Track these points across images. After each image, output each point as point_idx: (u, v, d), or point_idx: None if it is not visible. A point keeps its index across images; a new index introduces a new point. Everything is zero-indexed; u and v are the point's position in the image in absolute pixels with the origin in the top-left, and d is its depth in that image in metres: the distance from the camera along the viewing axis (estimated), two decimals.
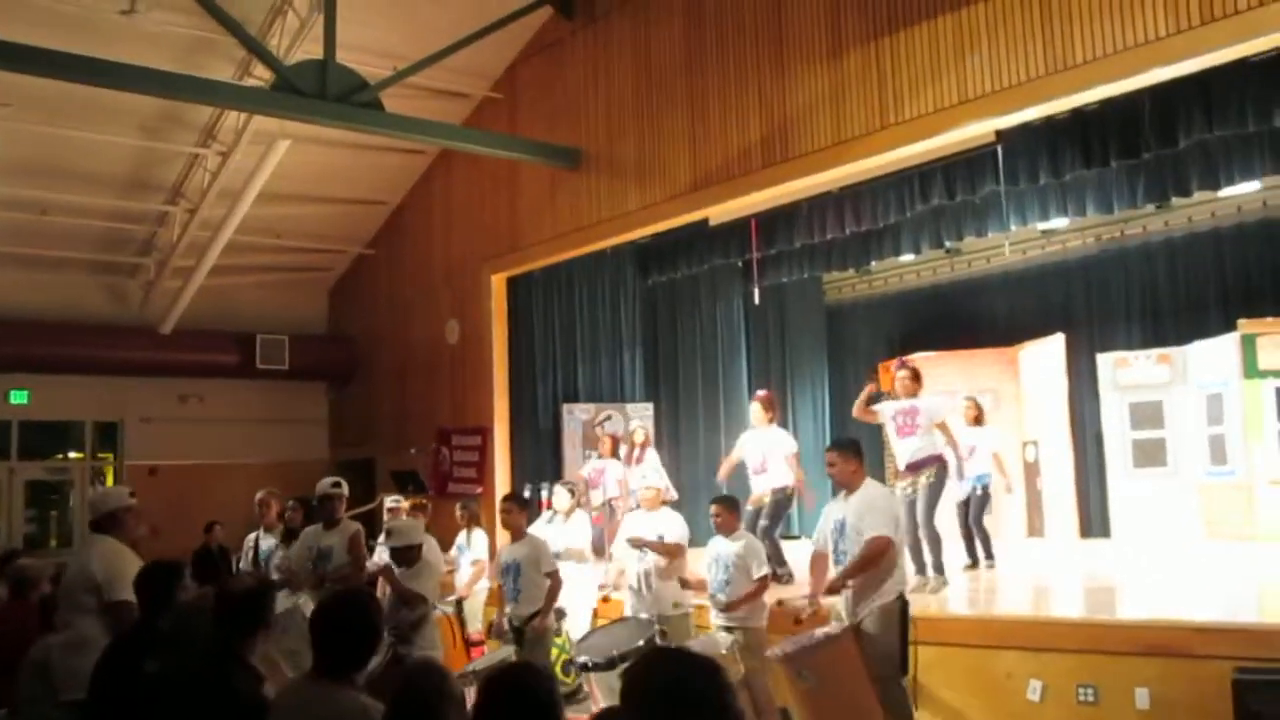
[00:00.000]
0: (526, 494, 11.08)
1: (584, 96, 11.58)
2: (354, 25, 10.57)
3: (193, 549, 12.33)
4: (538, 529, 8.87)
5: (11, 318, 13.40)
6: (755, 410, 9.70)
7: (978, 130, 8.56)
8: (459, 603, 9.00)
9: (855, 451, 6.46)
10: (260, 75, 11.10)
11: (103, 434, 15.16)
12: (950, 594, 8.11)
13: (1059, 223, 12.37)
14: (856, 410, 9.15)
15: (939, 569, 8.52)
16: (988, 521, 10.20)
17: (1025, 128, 9.74)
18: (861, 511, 6.12)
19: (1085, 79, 7.49)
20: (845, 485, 6.34)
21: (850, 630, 5.94)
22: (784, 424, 15.01)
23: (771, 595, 7.08)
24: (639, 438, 11.31)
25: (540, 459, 13.18)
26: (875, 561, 5.94)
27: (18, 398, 14.07)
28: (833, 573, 6.27)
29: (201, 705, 3.17)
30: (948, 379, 13.37)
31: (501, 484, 12.48)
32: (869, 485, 6.30)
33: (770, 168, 9.57)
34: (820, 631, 6.10)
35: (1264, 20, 6.64)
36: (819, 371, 15.77)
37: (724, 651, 6.28)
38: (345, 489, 7.69)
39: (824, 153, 9.10)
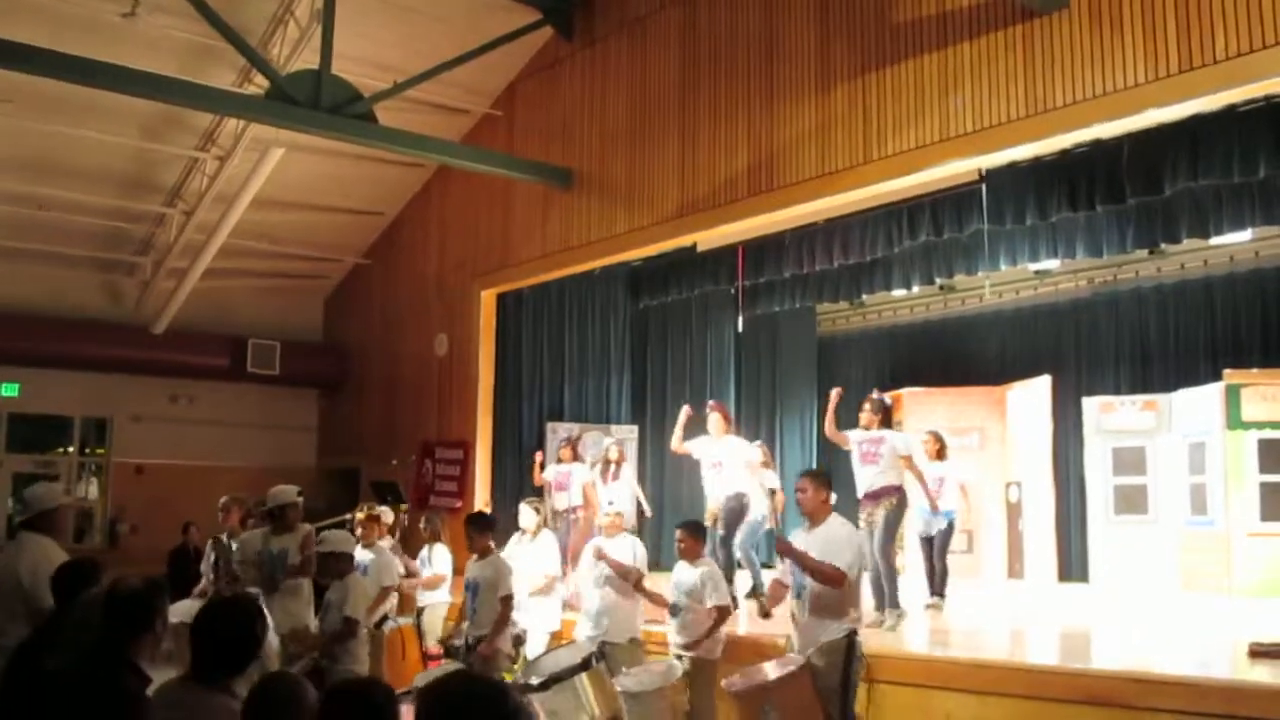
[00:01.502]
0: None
1: (579, 117, 11.65)
2: (356, 37, 10.68)
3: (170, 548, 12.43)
4: (509, 548, 8.86)
5: (4, 310, 13.49)
6: (715, 421, 9.61)
7: (960, 168, 8.63)
8: (418, 615, 8.98)
9: (826, 482, 6.37)
10: (261, 83, 11.17)
11: (92, 430, 15.23)
12: (904, 631, 8.05)
13: (1051, 264, 12.35)
14: (828, 428, 9.12)
15: (894, 603, 8.47)
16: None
17: (1013, 168, 9.84)
18: (824, 548, 6.03)
19: (1065, 122, 7.53)
20: (811, 515, 6.26)
21: (807, 666, 5.89)
22: (772, 453, 15.12)
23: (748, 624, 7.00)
24: (614, 455, 11.29)
25: (522, 476, 13.14)
26: (828, 579, 5.88)
27: (8, 390, 14.15)
28: (793, 606, 6.24)
29: (89, 705, 3.18)
30: (935, 416, 13.36)
31: (481, 499, 12.52)
32: (833, 520, 6.21)
33: (756, 197, 9.62)
34: (775, 663, 6.07)
35: (1243, 69, 6.67)
36: (808, 402, 15.75)
37: (672, 681, 6.25)
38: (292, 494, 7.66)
39: (809, 184, 9.15)
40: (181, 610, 6.71)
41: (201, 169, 12.80)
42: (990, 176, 9.69)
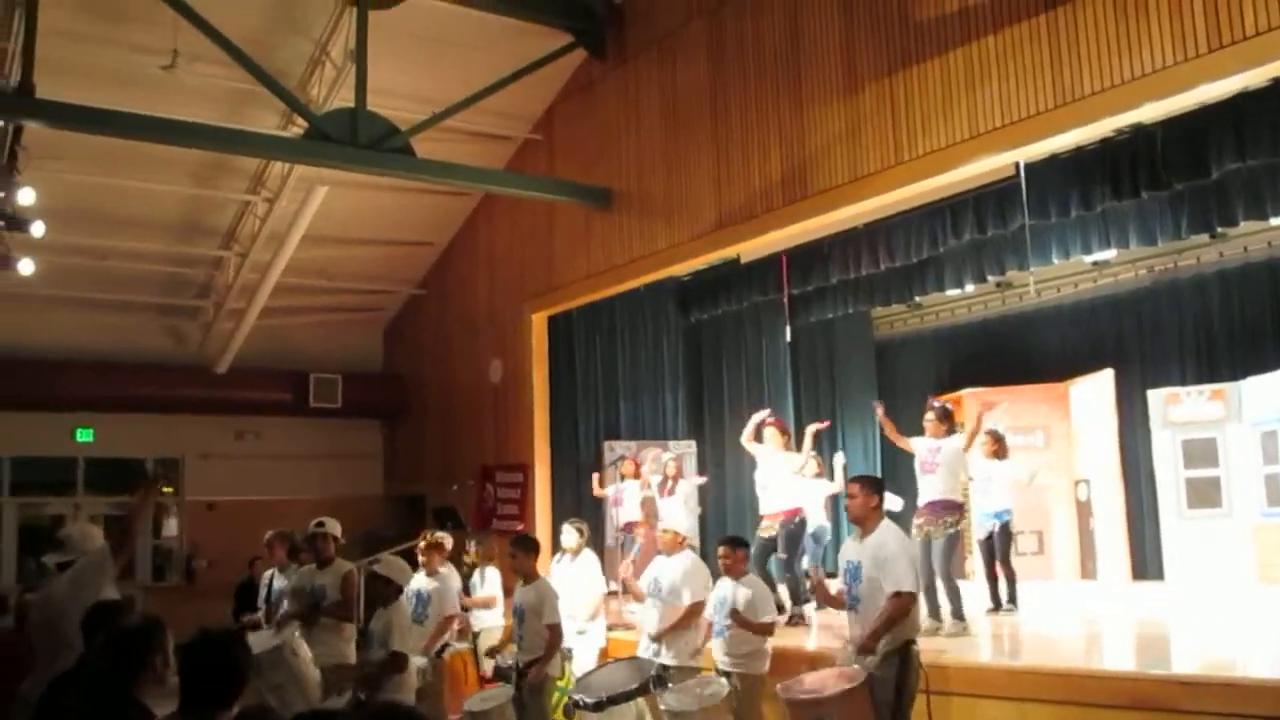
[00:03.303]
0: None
1: (615, 137, 11.69)
2: (392, 72, 10.82)
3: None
4: (554, 568, 8.91)
5: (77, 359, 13.93)
6: (770, 434, 9.62)
7: (994, 164, 8.46)
8: (474, 639, 9.02)
9: (877, 488, 6.27)
10: (303, 123, 11.39)
11: (164, 471, 15.59)
12: (948, 639, 7.91)
13: (1107, 254, 12.08)
14: (893, 437, 9.19)
15: (958, 615, 8.34)
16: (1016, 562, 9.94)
17: (1053, 159, 9.66)
18: (878, 559, 5.90)
19: (1096, 110, 7.35)
20: (860, 522, 6.15)
21: (867, 679, 5.76)
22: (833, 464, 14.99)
23: (783, 637, 6.94)
24: (670, 470, 11.27)
25: (581, 496, 13.18)
26: (900, 620, 5.79)
27: (83, 436, 14.59)
28: (844, 617, 6.15)
29: None
30: (997, 415, 13.10)
31: (542, 521, 12.54)
32: (884, 528, 6.08)
33: (791, 205, 9.55)
34: (834, 674, 5.94)
35: (1275, 45, 6.45)
36: (868, 408, 15.52)
37: (715, 699, 6.19)
38: (334, 528, 7.75)
39: (841, 189, 9.07)
40: None
41: (253, 211, 13.09)
42: (1029, 170, 9.49)
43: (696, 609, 7.13)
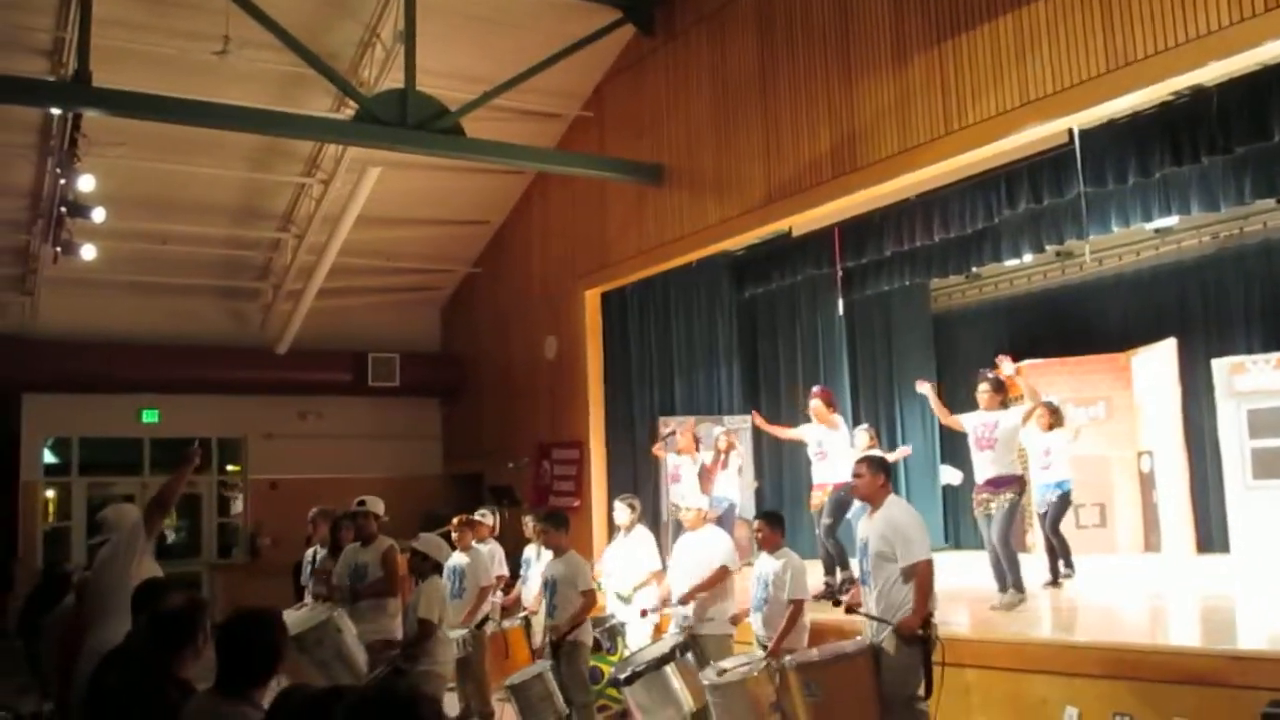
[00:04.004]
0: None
1: (665, 112, 11.65)
2: (441, 52, 10.86)
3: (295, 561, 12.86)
4: (610, 547, 8.98)
5: (142, 341, 14.24)
6: (815, 407, 9.57)
7: (1046, 131, 8.28)
8: (527, 618, 9.09)
9: (882, 467, 6.33)
10: (354, 106, 11.49)
11: (228, 450, 15.91)
12: (1009, 613, 7.83)
13: (1168, 221, 11.82)
14: (941, 417, 9.14)
15: (1019, 586, 8.28)
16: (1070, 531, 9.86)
17: (1110, 125, 9.46)
18: (885, 534, 5.93)
19: (1149, 74, 7.18)
20: (869, 500, 6.21)
21: (869, 650, 5.80)
22: (891, 436, 14.92)
23: (834, 612, 6.92)
24: (721, 444, 11.25)
25: (637, 471, 13.23)
26: (929, 587, 5.79)
27: (149, 417, 14.91)
28: (861, 594, 6.17)
29: (135, 716, 3.35)
30: (1057, 387, 12.94)
31: (598, 497, 12.61)
32: (891, 503, 6.12)
33: (840, 178, 9.46)
34: (837, 645, 6.00)
35: None
36: (926, 380, 15.38)
37: (754, 672, 6.21)
38: (376, 507, 7.84)
39: (892, 160, 8.96)
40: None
41: (308, 193, 13.24)
42: (1085, 136, 9.31)
43: (721, 574, 7.27)
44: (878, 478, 6.16)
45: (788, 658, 6.03)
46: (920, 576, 5.76)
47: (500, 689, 7.56)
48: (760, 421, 10.56)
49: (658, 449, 11.94)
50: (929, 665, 5.62)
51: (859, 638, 6.03)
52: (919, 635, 5.63)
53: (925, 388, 9.19)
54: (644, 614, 7.96)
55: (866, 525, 6.12)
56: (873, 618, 5.85)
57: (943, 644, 5.67)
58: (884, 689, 5.63)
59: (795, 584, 6.82)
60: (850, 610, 6.10)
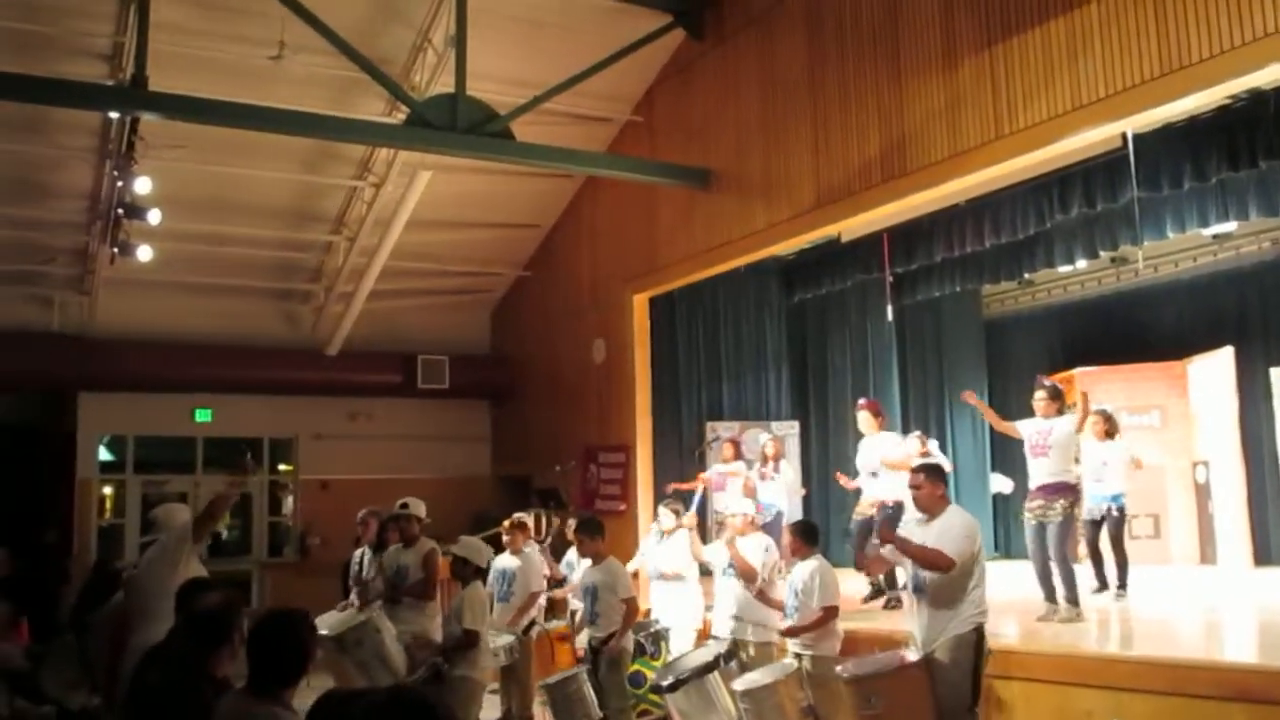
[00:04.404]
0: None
1: (714, 116, 11.62)
2: (492, 57, 10.93)
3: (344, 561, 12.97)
4: (645, 545, 9.01)
5: (196, 342, 14.45)
6: (864, 419, 9.59)
7: (1098, 135, 8.17)
8: (571, 617, 9.10)
9: (941, 477, 6.32)
10: (406, 110, 11.59)
11: (279, 450, 16.10)
12: (1060, 626, 7.73)
13: (1227, 227, 11.61)
14: (995, 424, 9.09)
15: (1074, 601, 8.17)
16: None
17: (1167, 129, 9.32)
18: (941, 538, 5.93)
19: (1204, 77, 7.04)
20: (927, 510, 6.17)
21: (924, 660, 5.76)
22: (942, 443, 14.77)
23: (881, 621, 6.90)
24: (769, 450, 11.22)
25: (683, 477, 13.19)
26: (931, 564, 5.81)
27: (202, 416, 15.13)
28: (911, 601, 6.13)
29: (168, 713, 3.40)
30: (1111, 395, 12.77)
31: (645, 501, 12.59)
32: (951, 512, 6.10)
33: (890, 182, 9.37)
34: (890, 655, 5.95)
35: None
36: (978, 387, 15.15)
37: (782, 678, 6.18)
38: (418, 509, 7.89)
39: (942, 165, 8.86)
40: (324, 622, 7.07)
41: (360, 196, 13.37)
42: (1141, 141, 9.17)
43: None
44: (937, 487, 6.12)
45: (839, 669, 5.98)
46: (935, 558, 5.80)
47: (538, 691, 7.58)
48: (845, 481, 10.43)
49: (698, 480, 11.90)
50: (978, 675, 5.56)
51: (908, 647, 5.96)
52: (974, 634, 5.60)
53: (971, 398, 9.07)
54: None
55: (919, 534, 6.05)
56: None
57: (991, 655, 5.60)
58: (940, 700, 5.58)
59: (825, 590, 6.79)
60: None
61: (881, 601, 9.54)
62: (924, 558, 5.81)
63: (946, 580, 5.76)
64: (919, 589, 5.96)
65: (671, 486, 10.66)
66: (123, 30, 10.14)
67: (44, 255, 13.69)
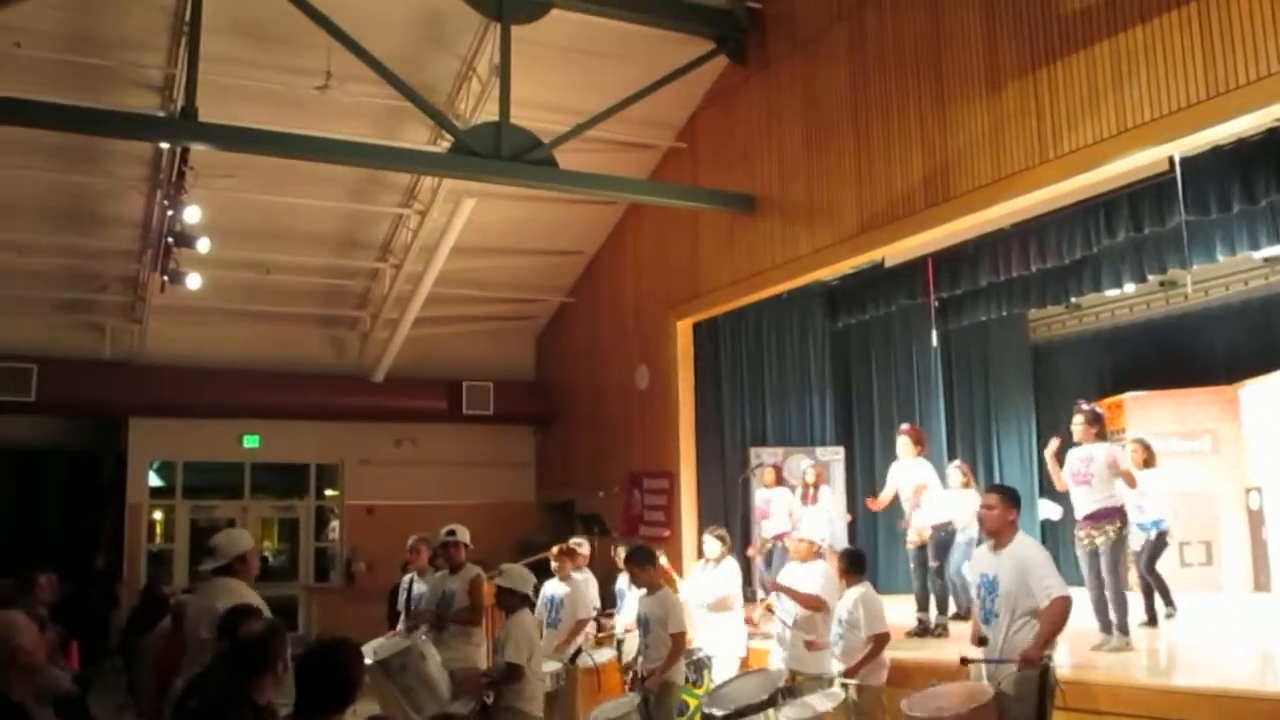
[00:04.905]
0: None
1: (757, 142, 11.64)
2: (535, 85, 11.01)
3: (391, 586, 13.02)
4: (693, 573, 8.98)
5: (244, 368, 14.66)
6: (903, 444, 9.58)
7: (1145, 159, 8.08)
8: (618, 646, 9.05)
9: (1015, 500, 6.08)
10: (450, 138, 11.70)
11: (325, 475, 16.23)
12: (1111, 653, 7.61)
13: (1277, 250, 11.38)
14: (1058, 484, 8.80)
15: (1124, 629, 8.04)
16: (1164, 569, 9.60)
17: (1215, 152, 9.20)
18: (1019, 573, 5.71)
19: (1251, 100, 6.96)
20: (995, 534, 5.96)
21: (995, 697, 5.60)
22: (989, 469, 14.66)
23: (921, 650, 6.80)
24: (809, 477, 11.18)
25: (727, 502, 13.18)
26: (1063, 623, 5.61)
27: (250, 441, 15.33)
28: (980, 631, 6.00)
29: None
30: (1161, 420, 12.61)
31: (689, 527, 12.56)
32: (1021, 540, 5.89)
33: (934, 207, 9.34)
34: (953, 687, 5.80)
35: None
36: (1025, 412, 15.09)
37: (828, 707, 6.11)
38: (464, 536, 7.90)
39: (985, 190, 8.82)
40: (371, 649, 7.09)
41: (405, 224, 13.51)
42: (1188, 164, 9.07)
43: (878, 640, 6.95)
44: (1009, 511, 5.92)
45: (903, 703, 5.85)
46: (1061, 611, 5.56)
47: None
48: (873, 503, 10.43)
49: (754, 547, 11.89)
50: (1043, 708, 5.45)
51: (972, 682, 5.81)
52: (1041, 668, 5.47)
53: (1052, 449, 8.85)
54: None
55: (993, 561, 5.87)
56: (992, 661, 5.67)
57: (1063, 689, 5.49)
58: None
59: (872, 618, 6.71)
60: (965, 661, 5.91)
61: (932, 625, 9.48)
62: (1057, 624, 5.57)
63: (1021, 610, 5.62)
64: (990, 620, 5.81)
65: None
66: (173, 62, 10.35)
67: (96, 283, 13.97)
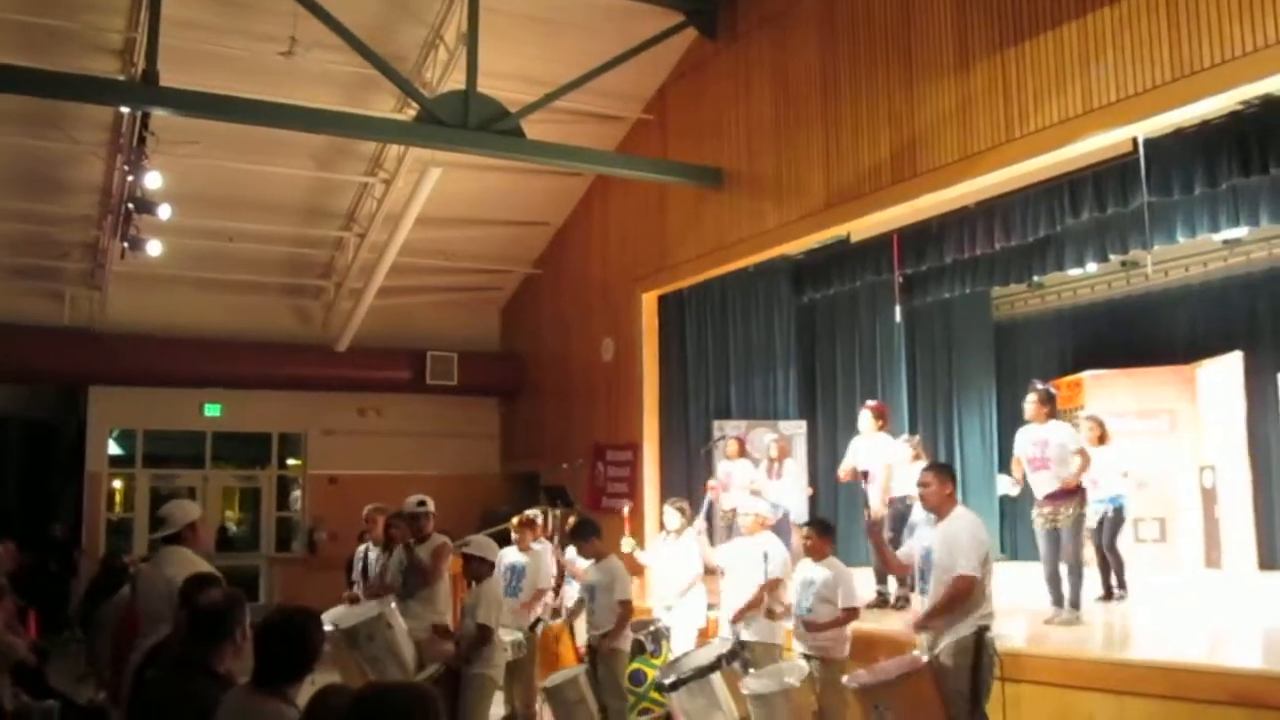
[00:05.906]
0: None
1: (726, 116, 11.62)
2: (503, 54, 10.92)
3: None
4: (654, 545, 9.04)
5: (206, 336, 14.52)
6: (865, 419, 9.61)
7: (1109, 140, 8.16)
8: (569, 614, 9.09)
9: (949, 474, 6.30)
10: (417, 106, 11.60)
11: (288, 445, 16.15)
12: (1062, 629, 7.73)
13: (1237, 233, 11.56)
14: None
15: (1076, 604, 8.16)
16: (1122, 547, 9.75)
17: (1178, 134, 9.29)
18: (948, 545, 5.91)
19: (1215, 83, 7.03)
20: (935, 510, 6.15)
21: (929, 665, 5.75)
22: (950, 445, 14.79)
23: (881, 621, 6.90)
24: (773, 452, 11.23)
25: (690, 475, 13.20)
26: (958, 603, 5.76)
27: (212, 411, 15.23)
28: (918, 605, 6.14)
29: (169, 709, 3.43)
30: (1120, 399, 12.76)
31: (650, 500, 12.59)
32: (957, 514, 6.07)
33: (900, 184, 9.37)
34: (898, 661, 5.95)
35: None
36: (987, 390, 15.24)
37: (796, 682, 6.19)
38: (431, 506, 7.91)
39: (951, 167, 8.86)
40: (333, 616, 7.09)
41: (371, 193, 13.41)
42: (1153, 146, 9.15)
43: (773, 584, 7.15)
44: (945, 486, 6.08)
45: (845, 679, 5.98)
46: (958, 589, 5.72)
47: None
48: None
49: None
50: (979, 677, 5.57)
51: (915, 651, 5.97)
52: (974, 638, 5.58)
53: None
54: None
55: (931, 534, 6.06)
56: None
57: (1001, 659, 5.60)
58: (947, 703, 5.57)
59: (847, 593, 6.78)
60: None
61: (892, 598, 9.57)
62: (951, 602, 5.76)
63: (952, 582, 5.75)
64: (924, 591, 5.97)
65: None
66: (134, 25, 10.18)
67: (56, 250, 13.77)
